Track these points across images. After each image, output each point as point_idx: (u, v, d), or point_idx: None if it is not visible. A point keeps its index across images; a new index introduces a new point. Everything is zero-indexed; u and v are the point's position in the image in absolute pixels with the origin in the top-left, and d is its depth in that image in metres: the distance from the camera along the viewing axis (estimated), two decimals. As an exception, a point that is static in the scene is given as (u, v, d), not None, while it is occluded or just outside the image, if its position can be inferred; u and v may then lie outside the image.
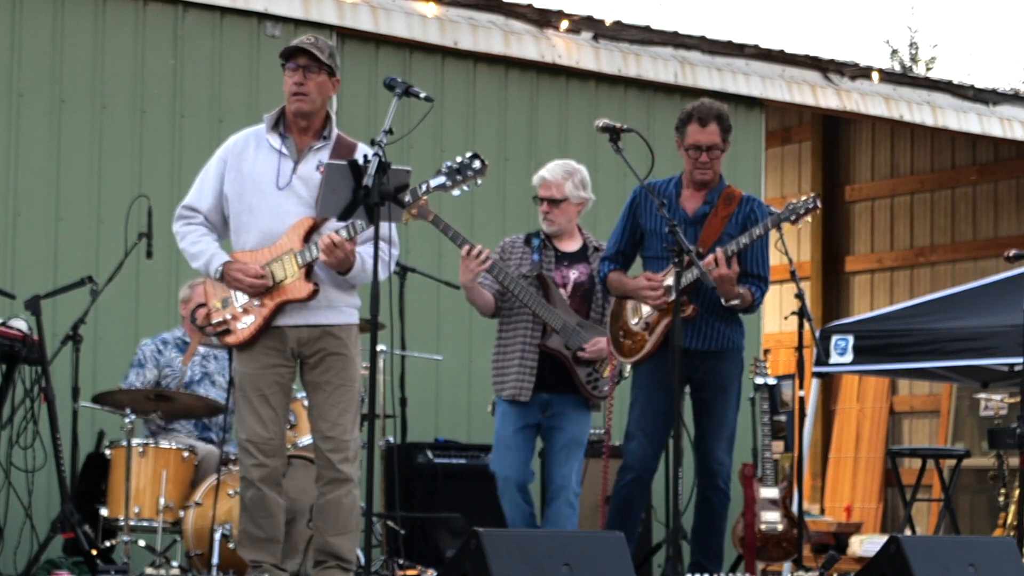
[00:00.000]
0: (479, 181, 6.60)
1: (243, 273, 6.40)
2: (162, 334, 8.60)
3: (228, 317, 6.47)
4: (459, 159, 6.55)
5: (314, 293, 6.38)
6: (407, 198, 6.43)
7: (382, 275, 6.42)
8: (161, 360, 8.44)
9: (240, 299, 6.46)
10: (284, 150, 6.48)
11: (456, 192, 6.55)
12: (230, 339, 6.47)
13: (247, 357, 6.46)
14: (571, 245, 7.72)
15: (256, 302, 6.42)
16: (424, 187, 6.51)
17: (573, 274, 7.66)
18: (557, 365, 7.56)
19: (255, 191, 6.44)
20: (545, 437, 7.71)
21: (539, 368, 7.56)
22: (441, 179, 6.51)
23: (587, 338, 7.54)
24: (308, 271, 6.39)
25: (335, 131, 6.56)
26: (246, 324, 6.43)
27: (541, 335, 7.57)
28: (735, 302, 7.25)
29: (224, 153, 6.56)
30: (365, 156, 6.16)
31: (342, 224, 6.32)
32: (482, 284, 7.58)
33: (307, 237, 6.39)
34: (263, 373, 6.43)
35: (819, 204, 7.24)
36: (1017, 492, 11.06)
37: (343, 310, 6.50)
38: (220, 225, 6.57)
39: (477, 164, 6.52)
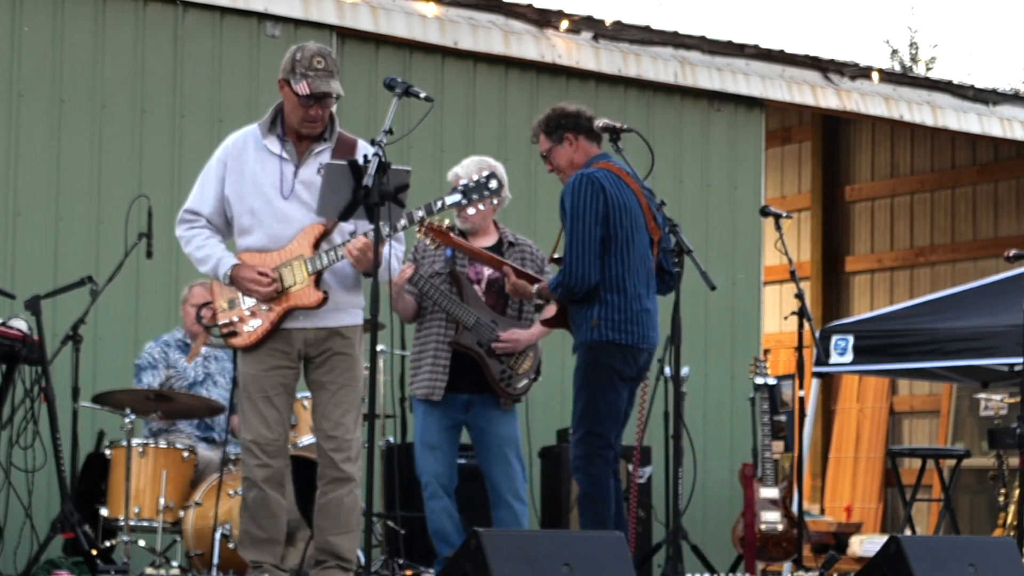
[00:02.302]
0: (495, 201, 6.60)
1: (256, 283, 6.38)
2: (162, 336, 8.60)
3: (235, 319, 6.46)
4: (475, 178, 6.53)
5: (323, 301, 6.37)
6: (421, 214, 6.43)
7: (388, 275, 6.42)
8: (167, 361, 8.44)
9: (247, 301, 6.44)
10: (284, 154, 6.45)
11: (471, 211, 6.55)
12: (236, 341, 6.46)
13: (252, 359, 6.45)
14: (486, 241, 7.65)
15: (264, 306, 6.41)
16: (439, 204, 6.49)
17: (487, 270, 7.61)
18: (474, 365, 7.53)
19: (257, 194, 6.42)
20: (475, 439, 7.68)
21: (456, 367, 7.51)
22: (456, 196, 6.49)
23: (501, 333, 7.52)
24: (317, 278, 6.38)
25: (336, 130, 6.53)
26: (253, 327, 6.42)
27: (455, 332, 7.53)
28: (538, 301, 7.36)
29: (223, 155, 6.52)
30: (365, 156, 6.15)
31: (351, 231, 6.33)
32: (406, 291, 7.59)
33: (317, 244, 6.38)
34: (267, 374, 6.43)
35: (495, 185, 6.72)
36: (1017, 492, 11.06)
37: (349, 311, 6.49)
38: (223, 227, 6.55)
39: (494, 184, 6.51)
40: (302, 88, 6.29)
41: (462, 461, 7.90)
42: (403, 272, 7.39)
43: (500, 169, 7.64)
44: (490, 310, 7.55)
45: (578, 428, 7.06)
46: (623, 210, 6.99)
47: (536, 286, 7.27)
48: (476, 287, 7.59)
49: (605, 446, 7.01)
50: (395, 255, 6.44)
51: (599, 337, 7.00)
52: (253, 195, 6.42)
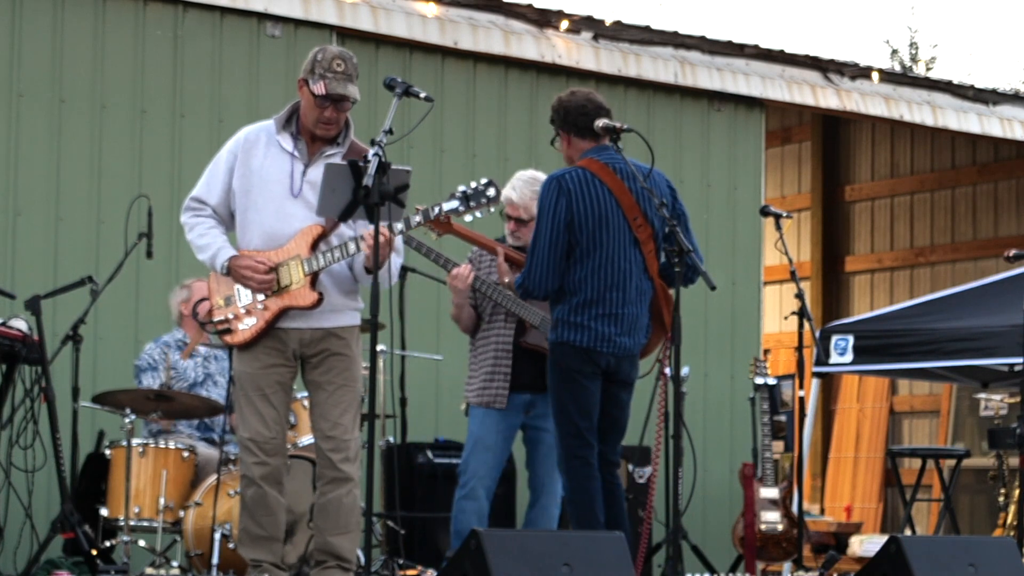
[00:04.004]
0: (492, 209, 6.60)
1: (252, 270, 6.39)
2: (162, 337, 8.59)
3: (230, 316, 6.46)
4: (474, 184, 6.53)
5: (318, 302, 6.37)
6: (419, 219, 6.42)
7: (388, 284, 6.41)
8: (167, 362, 8.43)
9: (243, 299, 6.45)
10: (296, 152, 6.46)
11: (468, 218, 6.56)
12: (230, 338, 6.47)
13: (248, 357, 6.46)
14: None
15: (259, 304, 6.41)
16: (437, 209, 6.49)
17: None
18: (538, 364, 7.50)
19: (262, 190, 6.43)
20: (529, 439, 7.66)
21: (519, 368, 7.50)
22: (454, 203, 6.50)
23: None
24: (314, 279, 6.39)
25: (351, 137, 6.53)
26: (247, 325, 6.43)
27: (515, 334, 7.52)
28: (508, 293, 7.37)
29: (234, 146, 6.53)
30: (365, 156, 6.15)
31: (351, 235, 6.34)
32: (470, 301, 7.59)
33: (315, 245, 6.38)
34: (264, 372, 6.43)
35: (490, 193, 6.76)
36: (1017, 492, 11.06)
37: (345, 312, 6.49)
38: (228, 219, 6.55)
39: (492, 192, 6.51)
40: (319, 88, 6.30)
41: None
42: (465, 277, 7.39)
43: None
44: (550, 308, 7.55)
45: (556, 432, 7.04)
46: (587, 214, 6.92)
47: (508, 278, 7.28)
48: None
49: (583, 445, 6.93)
50: (394, 266, 6.44)
51: (556, 338, 6.98)
52: (258, 189, 6.43)
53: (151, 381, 8.32)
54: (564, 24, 11.11)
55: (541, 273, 6.93)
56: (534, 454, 7.65)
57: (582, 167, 7.02)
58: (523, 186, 7.60)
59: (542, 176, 7.60)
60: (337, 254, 6.35)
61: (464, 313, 7.61)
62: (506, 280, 7.28)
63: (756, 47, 11.94)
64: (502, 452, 7.58)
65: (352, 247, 6.33)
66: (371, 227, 6.08)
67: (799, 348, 8.11)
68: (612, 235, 6.97)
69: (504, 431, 7.56)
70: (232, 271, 6.43)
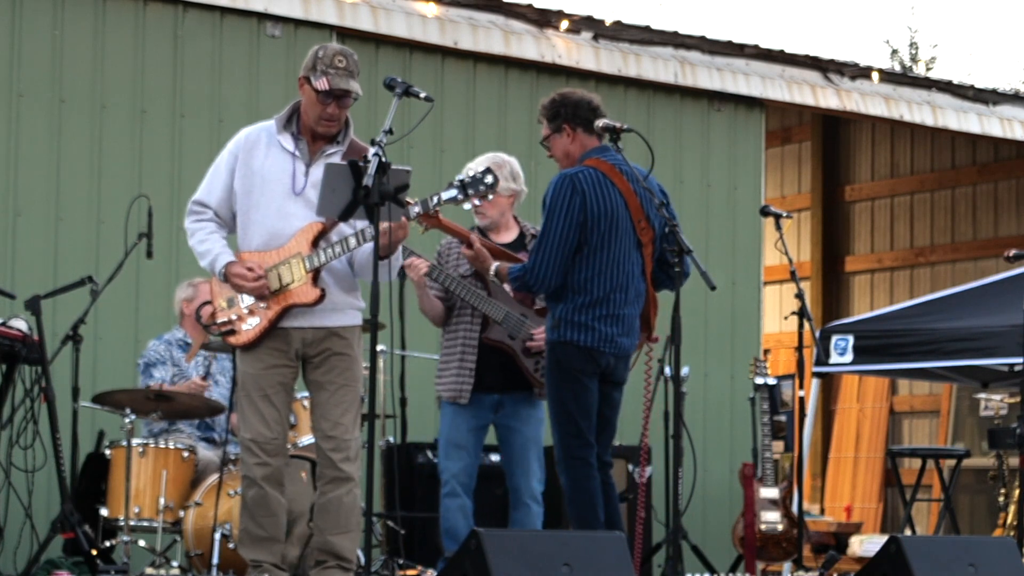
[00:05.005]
0: (491, 196, 6.59)
1: (243, 279, 6.39)
2: (163, 335, 8.59)
3: (233, 318, 6.47)
4: (471, 173, 6.52)
5: (321, 298, 6.38)
6: (417, 209, 6.43)
7: (388, 278, 6.41)
8: (172, 360, 8.44)
9: (246, 300, 6.46)
10: (297, 152, 6.47)
11: (467, 206, 6.56)
12: (234, 339, 6.48)
13: (251, 357, 6.47)
14: (507, 236, 7.63)
15: (262, 304, 6.42)
16: (436, 199, 6.48)
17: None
18: (504, 361, 7.49)
19: (264, 190, 6.43)
20: (502, 439, 7.65)
21: (486, 366, 7.49)
22: (453, 192, 6.49)
23: (532, 327, 7.44)
24: (315, 276, 6.39)
25: (350, 136, 6.54)
26: (251, 326, 6.44)
27: (481, 329, 7.50)
28: (493, 278, 7.28)
29: (235, 147, 6.54)
30: (365, 156, 6.16)
31: (351, 231, 6.35)
32: (431, 291, 7.56)
33: (315, 242, 6.39)
34: (266, 373, 6.44)
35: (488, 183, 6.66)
36: (1017, 492, 11.06)
37: (347, 312, 6.50)
38: (230, 220, 6.56)
39: (490, 179, 6.50)
40: (321, 84, 6.31)
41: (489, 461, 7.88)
42: (416, 268, 7.39)
43: (515, 164, 7.66)
44: (519, 304, 7.52)
45: (555, 431, 7.02)
46: (600, 215, 6.91)
47: (495, 265, 7.23)
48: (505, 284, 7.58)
49: (583, 445, 6.92)
50: (396, 262, 6.44)
51: (558, 337, 6.95)
52: (259, 189, 6.44)
53: (163, 374, 8.32)
54: (564, 24, 11.11)
55: (546, 269, 6.90)
56: (508, 455, 7.63)
57: (592, 166, 7.01)
58: (483, 160, 7.57)
59: (505, 156, 7.63)
60: (338, 249, 6.36)
61: (427, 305, 7.58)
62: (490, 265, 7.19)
63: (756, 47, 11.94)
64: (474, 449, 7.58)
65: (352, 242, 6.34)
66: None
67: (799, 348, 8.11)
68: (620, 237, 6.97)
69: (473, 429, 7.56)
70: (227, 277, 6.44)
